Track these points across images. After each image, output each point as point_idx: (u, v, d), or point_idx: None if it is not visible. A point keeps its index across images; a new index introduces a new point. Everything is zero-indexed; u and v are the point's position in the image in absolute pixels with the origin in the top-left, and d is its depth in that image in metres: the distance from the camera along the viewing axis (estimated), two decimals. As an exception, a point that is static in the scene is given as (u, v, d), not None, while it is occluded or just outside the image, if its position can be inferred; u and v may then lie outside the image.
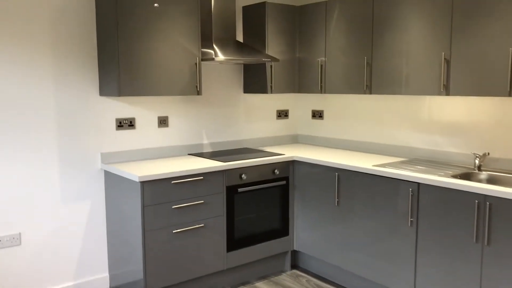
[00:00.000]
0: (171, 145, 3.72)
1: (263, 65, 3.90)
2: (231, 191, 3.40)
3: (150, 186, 2.99)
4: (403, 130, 3.65)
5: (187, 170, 3.12)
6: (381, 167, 3.17)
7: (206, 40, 3.63)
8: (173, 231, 3.11)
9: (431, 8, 3.04)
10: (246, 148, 4.09)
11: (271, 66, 3.87)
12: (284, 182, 3.70)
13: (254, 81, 4.01)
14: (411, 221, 2.94)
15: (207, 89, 3.88)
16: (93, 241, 3.39)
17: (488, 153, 3.07)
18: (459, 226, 2.70)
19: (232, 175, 3.39)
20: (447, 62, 2.97)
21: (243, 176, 3.43)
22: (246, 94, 4.16)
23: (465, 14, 2.86)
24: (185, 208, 3.15)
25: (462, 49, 2.90)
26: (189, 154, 3.76)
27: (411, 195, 2.93)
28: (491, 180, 2.98)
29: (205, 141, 3.92)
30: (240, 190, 3.42)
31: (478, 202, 2.60)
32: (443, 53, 2.98)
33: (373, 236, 3.19)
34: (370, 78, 3.46)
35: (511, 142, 3.01)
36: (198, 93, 3.44)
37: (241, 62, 3.71)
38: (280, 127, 4.42)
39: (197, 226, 3.22)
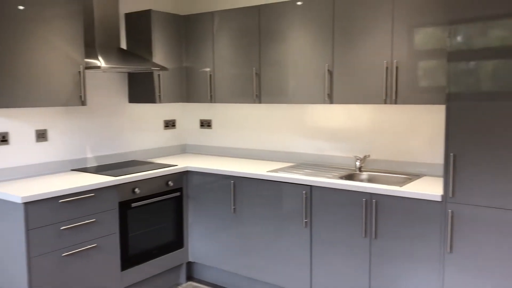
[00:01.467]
0: (51, 160, 3.40)
1: (150, 74, 3.79)
2: (124, 207, 3.23)
3: (35, 207, 2.69)
4: (291, 137, 3.85)
5: (76, 187, 2.88)
6: (274, 172, 3.29)
7: (89, 47, 3.41)
8: (63, 255, 2.84)
9: (314, 23, 3.27)
10: (134, 160, 3.92)
11: (159, 75, 3.78)
12: (178, 194, 3.63)
13: (141, 90, 3.88)
14: (305, 222, 3.11)
15: (90, 99, 3.63)
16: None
17: (368, 155, 3.39)
18: (350, 223, 2.93)
19: (124, 190, 3.22)
20: (330, 73, 3.22)
21: (136, 190, 3.28)
22: (132, 104, 4.00)
23: (345, 30, 3.13)
24: (75, 228, 2.90)
25: (343, 62, 3.16)
26: (72, 170, 3.48)
27: (305, 197, 3.09)
28: (371, 180, 3.29)
29: (89, 155, 3.66)
30: (133, 205, 3.27)
31: (365, 200, 2.85)
32: (326, 64, 3.22)
33: (270, 240, 3.29)
34: (259, 88, 3.58)
35: (386, 145, 3.37)
36: (83, 103, 3.21)
37: (127, 70, 3.57)
38: (167, 137, 4.33)
39: (89, 246, 2.99)
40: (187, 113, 4.47)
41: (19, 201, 2.62)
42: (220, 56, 3.77)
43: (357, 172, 3.34)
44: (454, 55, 2.49)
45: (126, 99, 3.95)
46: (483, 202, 2.45)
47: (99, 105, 3.72)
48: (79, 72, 3.18)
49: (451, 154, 2.53)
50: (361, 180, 3.30)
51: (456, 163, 2.52)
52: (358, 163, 3.35)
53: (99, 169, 3.47)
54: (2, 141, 3.11)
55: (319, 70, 3.26)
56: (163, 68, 3.59)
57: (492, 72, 2.41)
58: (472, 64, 2.46)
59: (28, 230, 2.67)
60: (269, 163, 3.72)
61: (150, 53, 3.75)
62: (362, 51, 3.08)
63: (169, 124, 4.34)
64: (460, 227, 2.53)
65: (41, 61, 2.96)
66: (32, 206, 2.68)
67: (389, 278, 2.81)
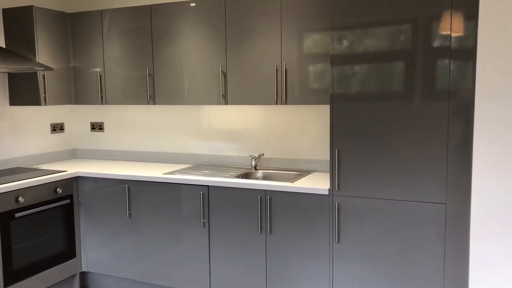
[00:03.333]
0: None
1: (33, 74, 3.54)
2: (6, 218, 2.98)
3: None
4: (187, 139, 3.84)
5: None
6: (171, 174, 3.26)
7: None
8: None
9: (207, 25, 3.30)
10: (17, 167, 3.63)
11: (43, 76, 3.54)
12: (68, 201, 3.43)
13: (24, 92, 3.60)
14: (203, 222, 3.12)
15: (-38, 101, 3.30)
16: None
17: (263, 154, 3.51)
18: (246, 220, 3.01)
19: (6, 200, 2.97)
20: (224, 74, 3.27)
21: (20, 199, 3.04)
22: (13, 107, 3.70)
23: (237, 32, 3.21)
24: None
25: (236, 63, 3.24)
26: None
27: (202, 197, 3.11)
28: (266, 177, 3.41)
29: (-36, 163, 3.32)
30: (17, 215, 3.02)
31: (260, 197, 2.95)
32: (220, 66, 3.27)
33: (168, 243, 3.26)
34: (153, 89, 3.52)
35: (279, 144, 3.51)
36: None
37: (6, 70, 3.30)
38: (55, 142, 4.07)
39: (-35, 264, 2.71)
40: (77, 116, 4.25)
41: None
42: (111, 56, 3.64)
43: (253, 170, 3.44)
44: (336, 59, 2.68)
45: (6, 101, 3.64)
46: (365, 193, 2.68)
47: (-27, 108, 3.39)
48: None
49: (336, 150, 2.72)
50: (257, 178, 3.40)
51: (340, 159, 2.71)
52: (253, 162, 3.45)
53: (-24, 178, 3.16)
54: None
55: (214, 71, 3.30)
56: (47, 68, 3.37)
57: (369, 75, 2.63)
58: (351, 67, 2.67)
59: None
60: (166, 166, 3.68)
61: (33, 52, 3.50)
62: (253, 53, 3.18)
63: (57, 128, 4.09)
64: (345, 218, 2.73)
65: None
66: None
67: (284, 271, 2.94)
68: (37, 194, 3.19)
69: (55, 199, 3.33)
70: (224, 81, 3.28)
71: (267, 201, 2.93)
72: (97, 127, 4.18)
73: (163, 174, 3.29)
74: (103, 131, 4.15)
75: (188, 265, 3.21)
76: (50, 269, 3.31)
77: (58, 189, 3.33)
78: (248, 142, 3.61)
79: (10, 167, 3.62)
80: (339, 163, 2.72)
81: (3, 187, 2.94)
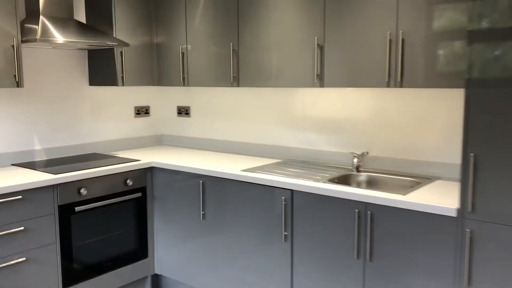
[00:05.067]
0: (-14, 153, 2.84)
1: (111, 52, 3.19)
2: (66, 211, 2.65)
3: None
4: (275, 128, 3.21)
5: (-5, 189, 2.31)
6: (250, 171, 2.67)
7: (33, 18, 2.83)
8: (-23, 273, 2.29)
9: (301, -15, 2.61)
10: (94, 153, 3.34)
11: (121, 53, 3.17)
12: (139, 194, 3.03)
13: (102, 71, 3.28)
14: (284, 235, 2.48)
15: (38, 80, 3.06)
16: None
17: (367, 152, 2.73)
18: (340, 240, 2.29)
19: (67, 191, 2.64)
20: (321, 48, 2.56)
21: (82, 191, 2.70)
22: (93, 87, 3.41)
23: (339, -8, 2.47)
24: (-5, 239, 2.35)
25: (336, 33, 2.50)
26: (13, 165, 2.92)
27: (284, 204, 2.47)
28: (371, 183, 2.64)
29: (38, 147, 3.09)
30: (78, 209, 2.69)
31: (358, 212, 2.21)
32: (316, 37, 2.57)
33: (244, 254, 2.68)
34: (237, 69, 2.94)
35: (391, 139, 2.71)
36: (18, 84, 2.63)
37: (80, 46, 2.97)
38: (139, 126, 3.74)
39: (15, 261, 2.43)
40: (163, 99, 3.87)
41: None
42: (195, 30, 3.14)
43: (354, 172, 2.70)
44: (476, 35, 1.81)
45: (86, 81, 3.36)
46: (515, 221, 1.79)
47: (51, 88, 3.14)
48: (12, 46, 2.59)
49: (471, 154, 1.86)
50: (358, 183, 2.65)
51: (477, 167, 1.86)
52: (355, 161, 2.70)
53: (47, 164, 2.90)
54: None
55: (307, 44, 2.61)
56: (122, 43, 2.98)
57: (532, 41, 1.73)
58: (497, 45, 1.78)
59: None
60: (251, 159, 3.10)
61: (111, 27, 3.15)
62: (359, 19, 2.41)
63: (141, 111, 3.74)
64: (482, 252, 1.88)
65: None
66: None
67: (387, 312, 2.18)
68: (103, 185, 2.83)
69: (125, 192, 2.95)
70: (320, 57, 2.57)
71: (367, 217, 2.18)
72: (183, 111, 3.75)
73: (241, 170, 2.71)
74: (190, 116, 3.71)
75: (266, 282, 2.60)
76: (119, 269, 2.95)
77: (128, 181, 2.95)
78: (350, 135, 2.86)
79: (88, 153, 3.35)
80: (475, 174, 1.86)
81: (65, 177, 2.61)
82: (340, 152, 2.90)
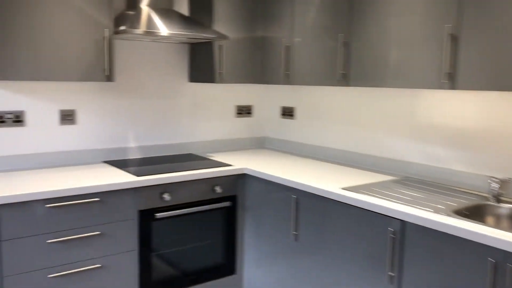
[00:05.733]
0: (79, 149, 2.78)
1: (212, 46, 2.93)
2: (147, 217, 2.45)
3: (11, 212, 2.05)
4: (392, 137, 2.66)
5: (68, 189, 2.17)
6: (352, 190, 2.18)
7: (132, 8, 2.68)
8: (49, 276, 2.17)
9: (432, -41, 2.04)
10: (189, 154, 3.13)
11: (220, 47, 2.90)
12: (229, 203, 2.73)
13: (201, 66, 3.05)
14: (390, 276, 1.96)
15: (135, 75, 2.93)
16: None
17: (513, 179, 2.07)
18: (463, 295, 1.71)
19: (148, 195, 2.44)
20: (455, 39, 1.97)
21: (165, 196, 2.47)
22: (192, 84, 3.20)
23: (484, -36, 1.85)
24: (68, 242, 2.21)
25: (477, 20, 1.89)
26: (104, 162, 2.81)
27: (392, 237, 1.94)
28: (515, 219, 1.98)
29: (132, 145, 2.97)
30: (159, 215, 2.47)
31: (495, 263, 1.61)
32: (447, 26, 1.98)
33: (339, 287, 2.21)
34: (347, 65, 2.47)
35: (548, 162, 2.00)
36: (108, 79, 2.49)
37: (183, 39, 2.76)
38: (240, 127, 3.45)
39: (90, 267, 2.28)
40: (267, 98, 3.53)
41: (-12, 203, 1.99)
42: (300, 21, 2.73)
43: (492, 203, 2.05)
44: None
45: (185, 77, 3.16)
46: None
47: (148, 83, 2.99)
48: (103, 38, 2.46)
49: None
50: (497, 219, 2.01)
51: None
52: (495, 188, 2.06)
53: (137, 163, 2.75)
54: (16, 121, 2.56)
55: (435, 34, 2.03)
56: (221, 36, 2.69)
57: None
58: None
59: (1, 241, 2.04)
60: (359, 173, 2.60)
61: (210, 18, 2.89)
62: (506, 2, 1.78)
63: (243, 111, 3.45)
64: None
65: (57, 22, 2.31)
66: (6, 210, 2.03)
67: None
68: (189, 191, 2.57)
69: (212, 200, 2.67)
70: (452, 51, 1.98)
71: (506, 271, 1.57)
72: (287, 113, 3.37)
73: (342, 188, 2.23)
74: (294, 119, 3.31)
75: (364, 333, 2.11)
76: (201, 284, 2.69)
77: (217, 188, 2.66)
78: (489, 153, 2.21)
79: (183, 153, 3.15)
80: None
81: (147, 180, 2.40)
82: (474, 174, 2.26)
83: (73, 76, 2.39)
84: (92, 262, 2.28)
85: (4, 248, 2.05)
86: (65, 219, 2.18)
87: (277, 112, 3.45)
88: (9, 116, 2.53)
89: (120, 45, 2.85)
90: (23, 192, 2.05)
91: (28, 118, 2.59)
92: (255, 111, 3.51)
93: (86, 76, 2.43)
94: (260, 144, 3.54)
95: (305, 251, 2.40)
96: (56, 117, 2.68)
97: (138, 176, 2.42)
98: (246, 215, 2.79)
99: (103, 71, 2.48)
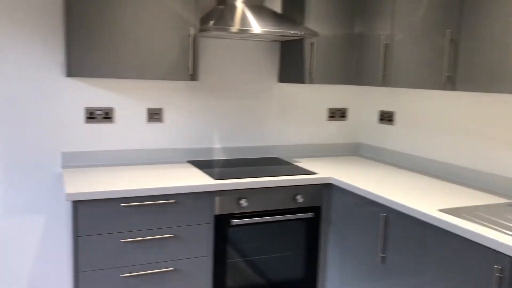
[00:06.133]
0: (165, 147, 2.77)
1: (302, 44, 2.74)
2: (223, 223, 2.34)
3: (88, 208, 2.06)
4: (509, 152, 2.23)
5: (145, 189, 2.13)
6: (451, 214, 1.85)
7: (223, 5, 2.60)
8: (121, 275, 2.16)
9: None
10: (275, 158, 2.97)
11: (311, 45, 2.69)
12: (311, 215, 2.52)
13: (291, 65, 2.87)
14: (496, 323, 1.61)
15: (221, 74, 2.85)
16: (49, 268, 2.59)
17: None
18: None
19: (225, 200, 2.33)
20: None
21: (242, 201, 2.34)
22: (282, 84, 3.04)
23: None
24: (142, 243, 2.18)
25: None
26: (188, 162, 2.77)
27: (499, 276, 1.59)
28: None
29: (217, 145, 2.89)
30: (235, 222, 2.34)
31: None
32: None
33: (431, 330, 1.89)
34: (454, 66, 2.12)
35: None
36: (192, 78, 2.43)
37: (275, 37, 2.62)
38: (333, 132, 3.21)
39: (163, 270, 2.23)
40: (363, 101, 3.24)
41: (68, 198, 2.02)
42: (401, 14, 2.42)
43: None
44: None
45: (275, 77, 3.01)
46: None
47: (236, 83, 2.89)
48: (188, 36, 2.40)
49: None
50: None
51: None
52: None
53: (220, 165, 2.67)
54: (105, 118, 2.61)
55: None
56: (311, 33, 2.49)
57: None
58: None
59: (76, 236, 2.06)
60: (462, 192, 2.22)
61: (302, 13, 2.69)
62: None
63: (337, 114, 3.21)
64: None
65: (143, 20, 2.30)
66: (83, 206, 2.05)
67: None
68: (268, 199, 2.41)
69: (293, 210, 2.48)
70: None
71: None
72: (386, 118, 3.05)
73: (439, 210, 1.90)
74: (393, 125, 2.99)
75: None
76: (278, 298, 2.52)
77: (298, 197, 2.47)
78: None
79: (268, 156, 3.01)
80: None
81: (225, 184, 2.29)
82: None
83: (157, 75, 2.37)
84: (165, 264, 2.23)
85: (80, 244, 2.07)
86: (139, 219, 2.15)
87: (375, 116, 3.14)
88: (99, 112, 2.59)
89: (204, 43, 2.79)
90: (99, 190, 2.05)
91: (117, 115, 2.64)
92: (350, 114, 3.24)
93: (170, 74, 2.39)
94: (353, 151, 3.26)
95: (393, 276, 2.11)
96: (144, 115, 2.70)
97: (216, 179, 2.32)
98: (330, 229, 2.56)
99: (187, 70, 2.42)
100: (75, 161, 2.56)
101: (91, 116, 2.58)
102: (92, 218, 2.07)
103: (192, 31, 2.40)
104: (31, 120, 2.45)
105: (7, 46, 2.36)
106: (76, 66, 2.21)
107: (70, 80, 2.51)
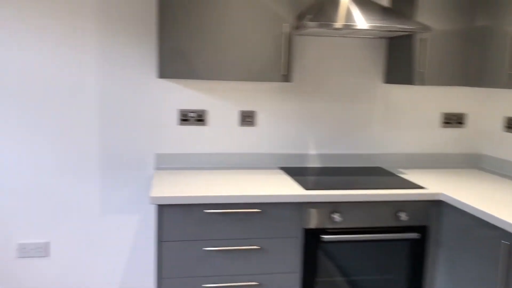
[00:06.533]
0: (257, 152, 2.64)
1: (412, 41, 2.42)
2: (313, 238, 2.13)
3: (172, 213, 2.00)
4: None
5: (229, 196, 2.01)
6: None
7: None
8: (203, 285, 2.06)
9: None
10: (378, 168, 2.68)
11: (422, 41, 2.37)
12: (417, 235, 2.19)
13: (398, 64, 2.57)
14: None
15: (316, 75, 2.64)
16: (140, 263, 2.60)
17: None
18: None
19: (316, 213, 2.11)
20: None
21: (335, 216, 2.11)
22: (388, 86, 2.73)
23: None
24: (226, 253, 2.06)
25: None
26: (280, 168, 2.61)
27: None
28: None
29: (312, 152, 2.69)
30: (326, 238, 2.12)
31: None
32: None
33: None
34: None
35: None
36: (285, 79, 2.26)
37: (381, 33, 2.36)
38: (447, 140, 2.82)
39: (247, 283, 2.09)
40: (485, 105, 2.79)
41: (152, 202, 1.97)
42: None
43: None
44: None
45: (379, 77, 2.72)
46: None
47: (333, 84, 2.66)
48: (281, 33, 2.23)
49: None
50: None
51: None
52: None
53: (314, 173, 2.47)
54: (198, 120, 2.56)
55: None
56: (422, 28, 2.18)
57: None
58: None
59: (160, 241, 2.01)
60: None
61: (412, 6, 2.38)
62: None
63: (453, 121, 2.81)
64: None
65: (237, 17, 2.20)
66: (168, 211, 1.99)
67: None
68: (364, 214, 2.15)
69: (394, 229, 2.18)
70: None
71: None
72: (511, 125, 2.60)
73: None
74: (523, 134, 2.53)
75: None
76: (374, 326, 2.24)
77: (400, 214, 2.16)
78: None
79: (371, 166, 2.73)
80: None
81: (316, 195, 2.08)
82: None
83: (249, 76, 2.24)
84: (249, 278, 2.09)
85: (164, 250, 2.01)
86: (222, 227, 2.04)
87: (499, 124, 2.69)
88: (192, 114, 2.55)
89: (300, 42, 2.60)
90: (182, 195, 1.98)
91: (210, 117, 2.57)
92: (468, 121, 2.82)
93: (262, 75, 2.25)
94: (472, 163, 2.83)
95: (517, 320, 1.72)
96: (236, 118, 2.60)
97: (306, 189, 2.13)
98: (439, 252, 2.21)
99: (280, 70, 2.26)
100: (168, 163, 2.54)
101: (185, 118, 2.54)
102: (176, 223, 2.00)
103: (286, 28, 2.23)
104: (127, 121, 2.48)
105: (111, 51, 2.41)
106: (169, 68, 2.17)
107: (164, 82, 2.50)
